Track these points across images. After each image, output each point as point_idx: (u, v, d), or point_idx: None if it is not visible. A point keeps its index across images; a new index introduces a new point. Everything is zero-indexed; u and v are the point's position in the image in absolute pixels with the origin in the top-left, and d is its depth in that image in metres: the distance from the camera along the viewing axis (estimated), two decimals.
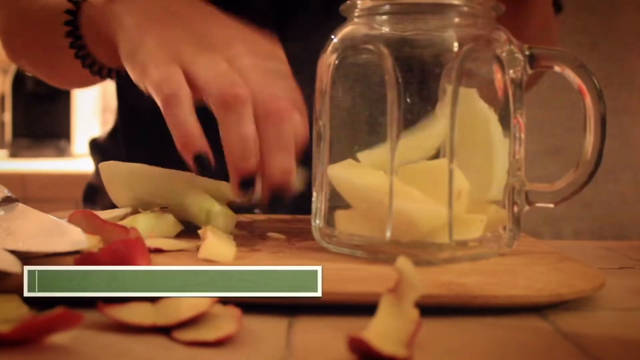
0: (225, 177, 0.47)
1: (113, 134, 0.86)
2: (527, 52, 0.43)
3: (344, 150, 0.44)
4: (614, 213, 1.54)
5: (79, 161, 2.03)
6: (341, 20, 0.45)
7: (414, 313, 0.30)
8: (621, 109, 1.53)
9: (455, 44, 0.40)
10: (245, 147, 0.44)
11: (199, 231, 0.44)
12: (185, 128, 0.44)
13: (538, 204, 0.45)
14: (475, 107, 0.42)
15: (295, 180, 0.46)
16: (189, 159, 0.44)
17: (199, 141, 0.44)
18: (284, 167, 0.45)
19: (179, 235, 0.49)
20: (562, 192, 0.45)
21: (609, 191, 1.53)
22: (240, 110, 0.44)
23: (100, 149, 0.87)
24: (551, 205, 0.45)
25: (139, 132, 0.78)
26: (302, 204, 0.50)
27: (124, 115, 0.81)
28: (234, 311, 0.32)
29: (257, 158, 0.45)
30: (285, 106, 0.45)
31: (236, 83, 0.44)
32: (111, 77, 0.60)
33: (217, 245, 0.41)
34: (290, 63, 0.54)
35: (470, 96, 0.42)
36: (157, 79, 0.45)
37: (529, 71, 0.44)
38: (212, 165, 0.45)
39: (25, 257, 0.36)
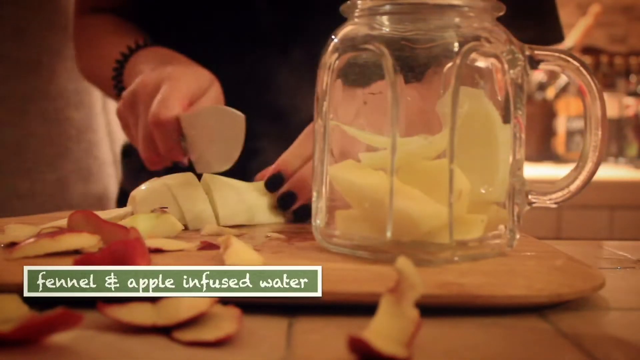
0: None
1: None
2: (527, 52, 0.43)
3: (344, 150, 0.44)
4: None
5: None
6: None
7: (414, 313, 0.30)
8: None
9: (456, 44, 0.40)
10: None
11: (221, 239, 0.42)
12: None
13: (538, 204, 0.45)
14: (482, 108, 0.42)
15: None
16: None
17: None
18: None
19: (179, 235, 0.49)
20: (562, 192, 0.45)
21: None
22: None
23: (127, 154, 0.90)
24: (552, 206, 0.45)
25: None
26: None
27: None
28: (234, 311, 0.32)
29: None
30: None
31: None
32: None
33: (245, 252, 0.41)
34: (297, 69, 0.62)
35: (477, 97, 0.42)
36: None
37: (529, 71, 0.44)
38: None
39: None
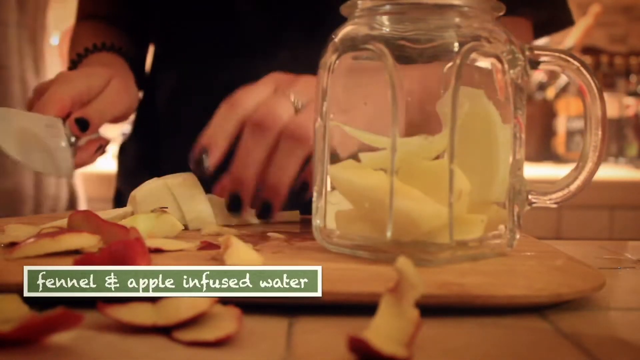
0: None
1: (131, 138, 0.90)
2: (527, 52, 0.43)
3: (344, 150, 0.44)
4: None
5: None
6: (329, 33, 0.45)
7: (414, 313, 0.30)
8: None
9: (456, 44, 0.40)
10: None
11: (221, 239, 0.42)
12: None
13: (538, 204, 0.45)
14: (482, 108, 0.42)
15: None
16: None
17: None
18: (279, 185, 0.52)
19: (179, 235, 0.49)
20: (562, 192, 0.45)
21: None
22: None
23: (123, 152, 0.91)
24: (552, 206, 0.45)
25: (155, 134, 0.84)
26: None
27: (140, 120, 0.88)
28: (234, 311, 0.32)
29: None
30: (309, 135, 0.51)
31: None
32: None
33: (245, 252, 0.40)
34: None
35: (477, 97, 0.42)
36: None
37: (529, 71, 0.44)
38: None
39: None
